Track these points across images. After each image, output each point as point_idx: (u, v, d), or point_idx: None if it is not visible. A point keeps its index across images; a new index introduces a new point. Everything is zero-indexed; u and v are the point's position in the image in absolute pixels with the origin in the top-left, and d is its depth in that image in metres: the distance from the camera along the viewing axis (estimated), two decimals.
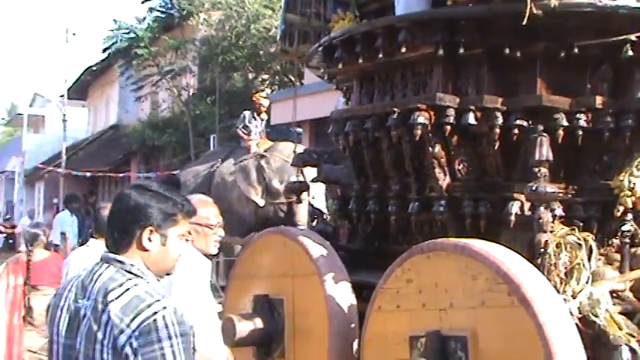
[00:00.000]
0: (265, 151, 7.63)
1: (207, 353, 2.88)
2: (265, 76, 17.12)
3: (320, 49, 4.19)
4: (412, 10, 3.86)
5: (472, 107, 3.50)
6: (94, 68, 25.08)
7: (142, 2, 17.57)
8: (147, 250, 1.79)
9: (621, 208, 3.35)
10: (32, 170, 28.12)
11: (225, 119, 15.22)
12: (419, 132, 3.52)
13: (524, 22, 3.11)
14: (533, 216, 3.30)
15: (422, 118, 3.50)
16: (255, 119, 8.46)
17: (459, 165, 3.65)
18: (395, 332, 3.33)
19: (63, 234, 9.64)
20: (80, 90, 28.83)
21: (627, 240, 3.49)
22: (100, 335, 1.66)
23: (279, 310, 4.10)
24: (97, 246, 3.67)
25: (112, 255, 1.76)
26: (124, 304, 1.67)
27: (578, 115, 3.41)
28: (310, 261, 3.97)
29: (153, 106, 19.62)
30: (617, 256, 3.52)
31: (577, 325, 2.89)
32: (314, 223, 5.18)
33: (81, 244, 10.62)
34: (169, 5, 17.23)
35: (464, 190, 3.64)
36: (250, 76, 16.91)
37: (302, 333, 3.98)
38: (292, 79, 16.88)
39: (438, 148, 3.59)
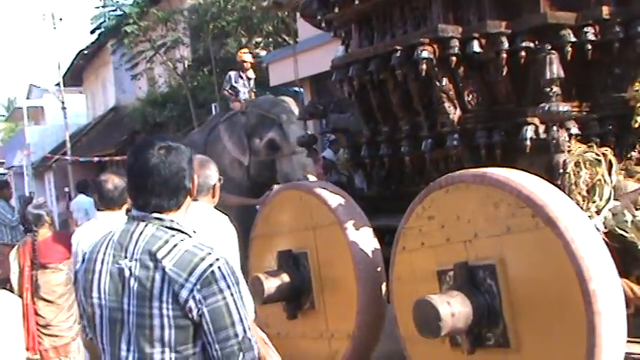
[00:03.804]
0: (246, 108, 7.46)
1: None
2: (259, 39, 16.89)
3: None
4: None
5: (476, 35, 3.43)
6: (86, 52, 24.84)
7: None
8: (192, 196, 1.80)
9: (639, 119, 3.29)
10: (39, 162, 28.15)
11: (221, 87, 15.07)
12: (424, 67, 3.46)
13: None
14: (549, 137, 3.26)
15: (426, 52, 3.44)
16: (242, 78, 8.24)
17: (469, 96, 3.60)
18: (422, 269, 3.34)
19: (70, 213, 9.69)
20: (75, 76, 28.54)
21: None
22: (156, 292, 1.63)
23: (304, 263, 4.11)
24: (105, 218, 3.65)
25: (148, 214, 1.73)
26: (177, 260, 1.64)
27: (585, 29, 3.34)
28: (329, 211, 3.96)
29: (150, 83, 19.40)
30: (638, 169, 3.48)
31: (604, 240, 2.88)
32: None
33: None
34: None
35: (476, 120, 3.59)
36: (244, 40, 16.69)
37: (329, 282, 4.00)
38: (286, 38, 16.64)
39: (445, 82, 3.54)
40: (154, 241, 1.69)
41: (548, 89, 3.15)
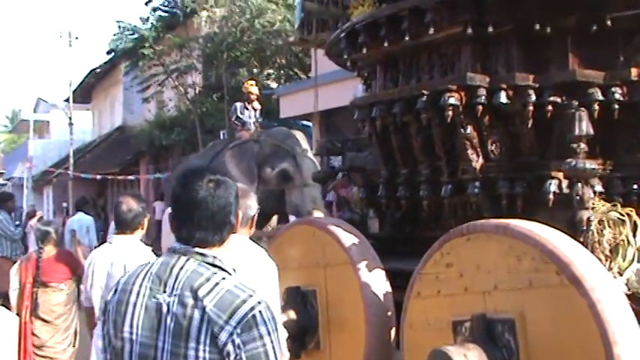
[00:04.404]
0: (259, 137, 7.47)
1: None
2: (270, 71, 17.06)
3: (342, 35, 4.11)
4: None
5: (504, 86, 3.43)
6: (98, 71, 25.07)
7: (146, 3, 17.54)
8: (235, 231, 1.76)
9: None
10: (40, 175, 28.15)
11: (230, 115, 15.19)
12: (450, 113, 3.45)
13: None
14: (572, 193, 3.24)
15: (453, 99, 3.44)
16: (248, 109, 8.31)
17: (492, 145, 3.59)
18: (436, 318, 3.27)
19: (73, 231, 9.63)
20: (83, 93, 28.81)
21: None
22: (193, 332, 1.57)
23: (312, 301, 4.04)
24: (121, 241, 3.61)
25: (190, 247, 1.68)
26: (218, 300, 1.59)
27: (613, 89, 3.34)
28: (342, 250, 3.91)
29: (159, 106, 19.51)
30: None
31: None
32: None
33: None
34: (172, 4, 17.18)
35: (498, 170, 3.57)
36: (255, 71, 16.85)
37: (337, 323, 3.93)
38: (298, 72, 16.80)
39: (470, 129, 3.53)
40: (196, 278, 1.63)
41: (576, 145, 3.13)
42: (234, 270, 1.72)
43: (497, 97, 3.43)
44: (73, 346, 4.82)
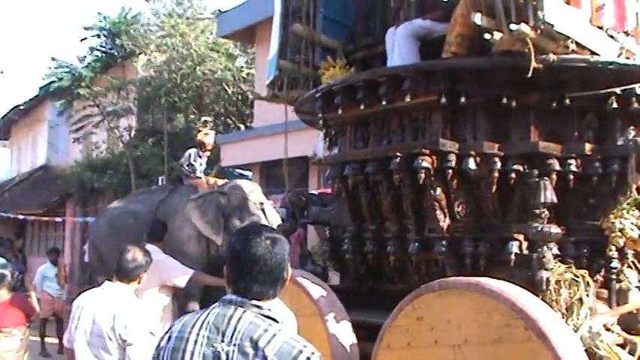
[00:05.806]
0: (222, 189, 7.48)
1: None
2: (208, 118, 17.12)
3: (318, 94, 4.33)
4: (407, 61, 4.10)
5: (472, 152, 3.71)
6: (22, 107, 24.28)
7: (81, 41, 17.34)
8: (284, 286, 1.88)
9: (613, 248, 3.61)
10: None
11: (169, 160, 15.06)
12: (422, 176, 3.70)
13: (528, 75, 3.36)
14: (533, 255, 3.52)
15: (425, 162, 3.69)
16: (201, 157, 8.40)
17: (459, 207, 3.84)
18: None
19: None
20: (3, 129, 27.71)
21: (613, 276, 3.76)
22: None
23: None
24: (113, 289, 3.54)
25: (247, 300, 1.80)
26: (278, 349, 1.70)
27: (569, 161, 3.68)
28: (311, 302, 4.02)
29: (90, 147, 19.02)
30: (604, 292, 3.77)
31: None
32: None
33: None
34: (110, 45, 17.06)
35: (464, 230, 3.82)
36: (192, 117, 16.87)
37: None
38: (235, 121, 16.97)
39: (439, 191, 3.78)
40: (254, 329, 1.74)
41: (539, 211, 3.43)
42: (282, 321, 1.84)
43: (466, 162, 3.71)
44: None
